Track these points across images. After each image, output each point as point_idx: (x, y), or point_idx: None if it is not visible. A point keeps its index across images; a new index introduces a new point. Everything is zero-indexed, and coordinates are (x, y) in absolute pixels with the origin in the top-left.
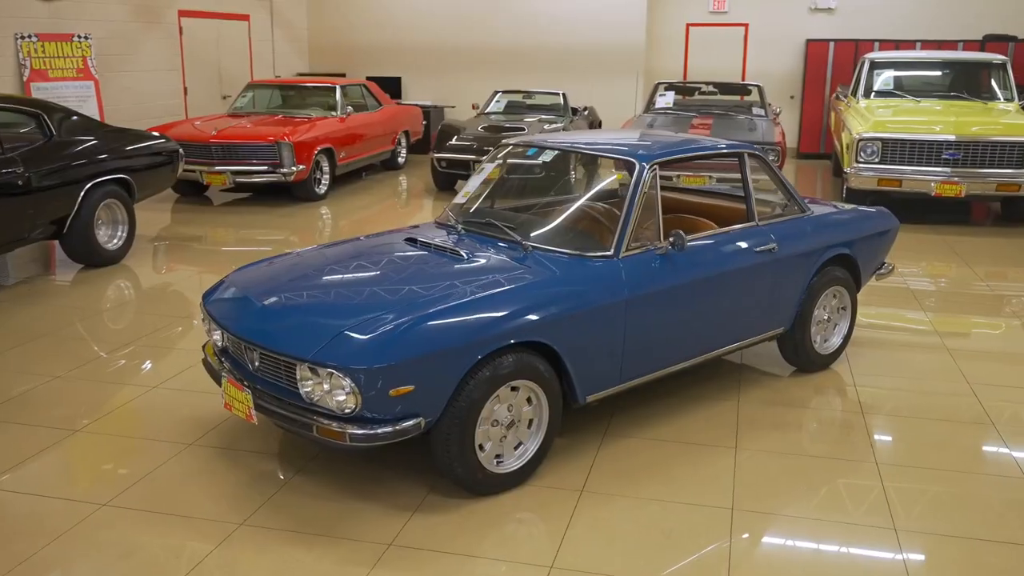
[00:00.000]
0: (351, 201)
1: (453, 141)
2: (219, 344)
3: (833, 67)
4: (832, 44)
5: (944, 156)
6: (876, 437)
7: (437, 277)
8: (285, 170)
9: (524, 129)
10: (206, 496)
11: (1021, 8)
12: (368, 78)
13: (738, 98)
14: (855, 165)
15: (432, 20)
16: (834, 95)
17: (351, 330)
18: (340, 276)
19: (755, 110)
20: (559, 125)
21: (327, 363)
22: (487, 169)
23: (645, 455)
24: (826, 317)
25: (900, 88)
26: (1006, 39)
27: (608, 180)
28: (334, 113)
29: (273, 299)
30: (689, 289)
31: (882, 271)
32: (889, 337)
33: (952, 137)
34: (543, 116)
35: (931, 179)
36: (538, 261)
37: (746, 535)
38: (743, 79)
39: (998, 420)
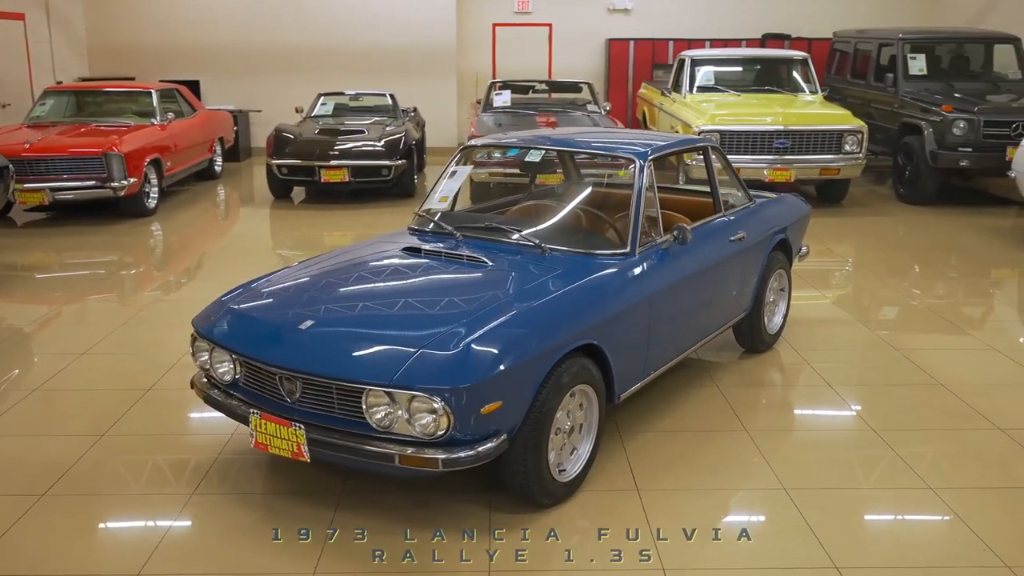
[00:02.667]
0: (181, 215)
1: (292, 147)
2: (228, 377)
3: (634, 65)
4: (632, 43)
5: (775, 145)
6: (857, 407)
7: (476, 287)
8: (116, 184)
9: (364, 131)
10: (251, 549)
11: (793, 11)
12: (162, 81)
13: (572, 94)
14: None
15: (230, 20)
16: (640, 90)
17: (429, 348)
18: (364, 293)
19: (590, 107)
20: (395, 127)
21: (413, 386)
22: (462, 172)
23: (670, 448)
24: (771, 299)
25: (719, 83)
26: (782, 37)
27: (598, 177)
28: (153, 120)
29: (309, 322)
30: (691, 280)
31: (802, 253)
32: (806, 315)
33: (781, 127)
34: (377, 118)
35: (764, 167)
36: (561, 263)
37: (816, 513)
38: (549, 77)
39: (945, 381)
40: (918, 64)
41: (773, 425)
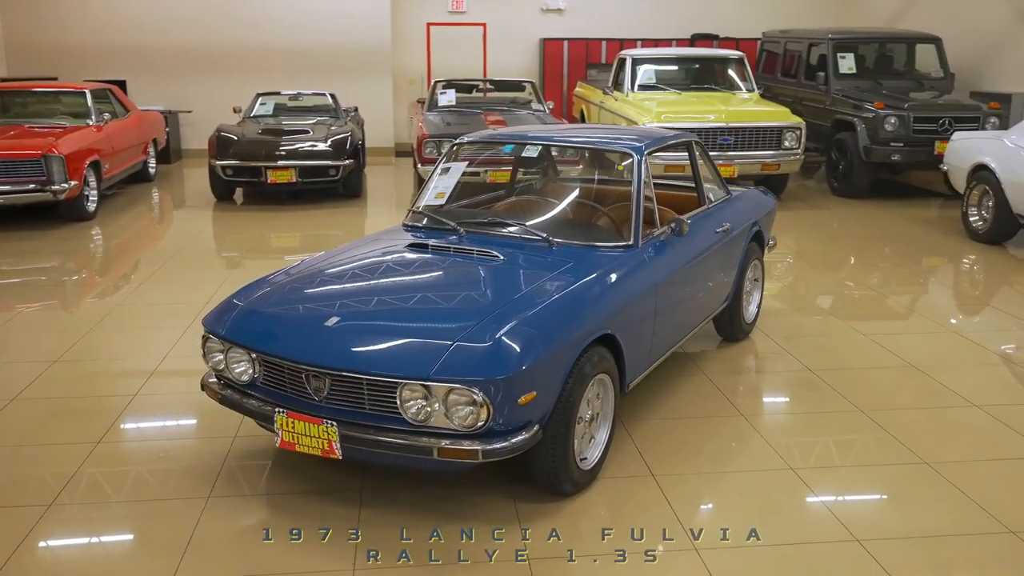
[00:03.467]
0: (122, 218)
1: (236, 147)
2: (245, 377)
3: (569, 64)
4: (566, 43)
5: (719, 141)
6: (840, 390)
7: (495, 280)
8: (56, 187)
9: (308, 131)
10: (285, 550)
11: (719, 12)
12: (91, 81)
13: (514, 93)
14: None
15: (156, 18)
16: (576, 89)
17: (464, 341)
18: (382, 288)
19: (534, 105)
20: (340, 126)
21: (452, 379)
22: (456, 168)
23: (673, 434)
24: (747, 288)
25: (659, 82)
26: (711, 37)
27: (593, 171)
28: (89, 121)
29: (334, 319)
30: (686, 271)
31: (771, 244)
32: (770, 304)
33: (724, 124)
34: (320, 118)
35: None
36: (570, 255)
37: (826, 491)
38: (484, 76)
39: (916, 362)
40: (847, 63)
41: (767, 409)
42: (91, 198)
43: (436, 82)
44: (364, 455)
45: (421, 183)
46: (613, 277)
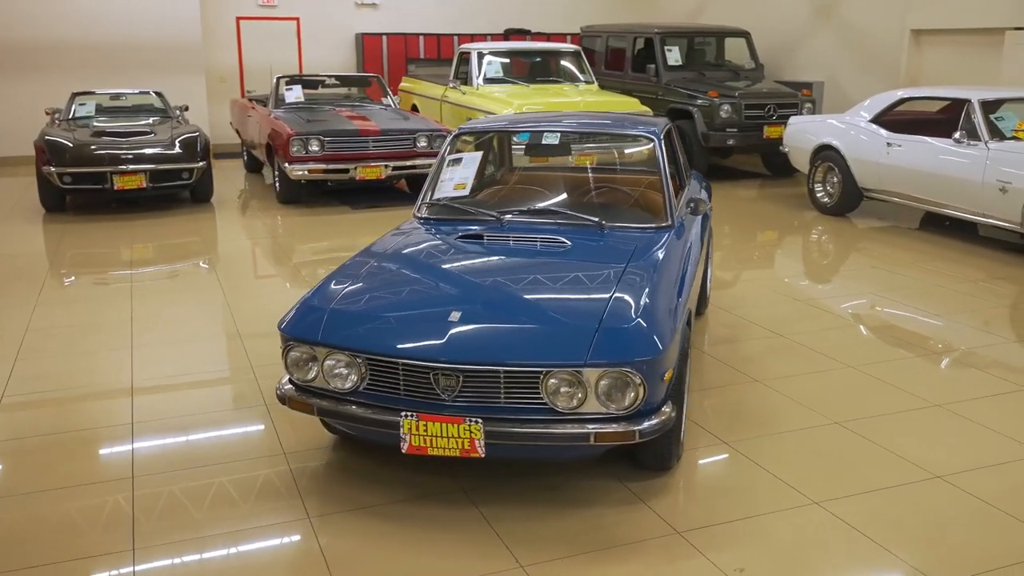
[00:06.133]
0: None
1: (73, 153)
2: (348, 385)
3: (388, 59)
4: (385, 37)
5: None
6: (821, 351)
7: (586, 264)
8: None
9: (150, 133)
10: (439, 559)
11: (528, 7)
12: None
13: (349, 89)
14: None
15: None
16: (401, 84)
17: (608, 324)
18: (476, 279)
19: (384, 100)
20: (185, 127)
21: (608, 362)
22: (469, 158)
23: (711, 405)
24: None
25: (504, 74)
26: (523, 32)
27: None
28: None
29: (456, 314)
30: (699, 247)
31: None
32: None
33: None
34: (154, 118)
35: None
36: (626, 238)
37: (883, 438)
38: (300, 72)
39: (861, 322)
40: (674, 56)
41: (772, 373)
42: None
43: (279, 78)
44: (506, 450)
45: (288, 183)
46: (683, 256)
